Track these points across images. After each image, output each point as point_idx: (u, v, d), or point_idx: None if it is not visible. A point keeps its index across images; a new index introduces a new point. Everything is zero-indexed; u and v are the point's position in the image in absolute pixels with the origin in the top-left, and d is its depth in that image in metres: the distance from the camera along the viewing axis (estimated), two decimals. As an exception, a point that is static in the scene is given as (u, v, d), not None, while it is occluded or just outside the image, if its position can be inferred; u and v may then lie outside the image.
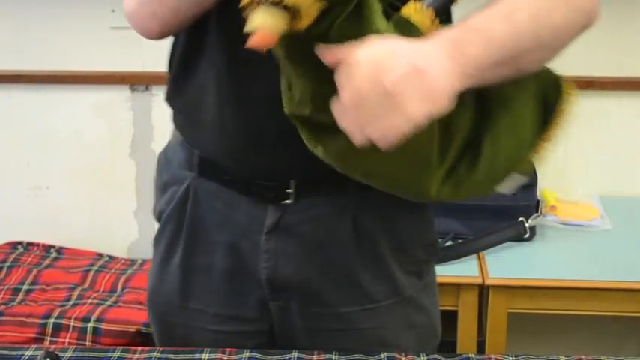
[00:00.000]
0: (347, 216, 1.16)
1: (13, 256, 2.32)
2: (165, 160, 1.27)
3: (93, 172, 2.43)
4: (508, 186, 1.12)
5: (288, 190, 1.15)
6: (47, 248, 2.38)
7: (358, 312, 1.20)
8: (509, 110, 1.05)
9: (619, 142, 2.33)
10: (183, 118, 1.23)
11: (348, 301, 1.20)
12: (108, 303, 2.10)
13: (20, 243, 2.40)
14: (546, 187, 2.25)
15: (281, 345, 1.23)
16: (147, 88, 2.36)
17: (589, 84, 2.27)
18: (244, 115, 1.13)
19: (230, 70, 1.12)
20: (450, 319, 1.96)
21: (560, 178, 2.32)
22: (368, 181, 1.08)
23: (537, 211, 2.06)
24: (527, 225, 2.02)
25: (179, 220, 1.22)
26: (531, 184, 2.07)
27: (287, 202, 1.16)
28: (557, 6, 1.00)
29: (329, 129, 0.97)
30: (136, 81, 2.36)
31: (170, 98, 1.24)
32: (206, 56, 1.15)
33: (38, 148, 2.45)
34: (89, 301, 2.11)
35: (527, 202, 2.05)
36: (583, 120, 2.32)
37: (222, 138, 1.16)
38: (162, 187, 1.26)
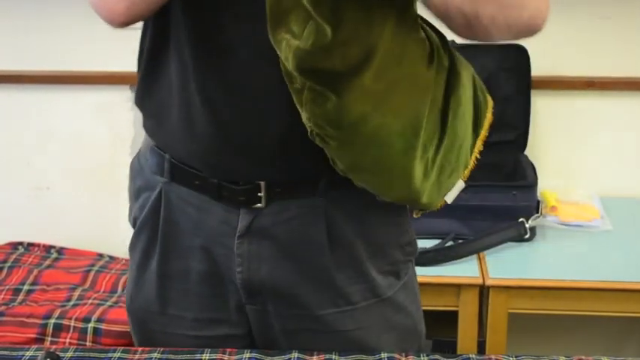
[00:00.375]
0: (319, 218, 1.16)
1: (14, 256, 2.32)
2: (138, 165, 1.26)
3: (93, 173, 2.43)
4: (453, 193, 1.16)
5: (259, 194, 1.15)
6: (48, 249, 2.38)
7: (335, 314, 1.20)
8: (462, 86, 1.11)
9: (619, 143, 2.33)
10: (152, 122, 1.22)
11: (325, 304, 1.20)
12: (108, 303, 2.10)
13: (21, 243, 2.40)
14: (546, 187, 2.25)
15: (260, 348, 1.23)
16: (147, 89, 2.36)
17: (589, 84, 2.27)
18: (212, 116, 1.12)
19: (197, 71, 1.11)
20: (450, 319, 1.96)
21: (561, 178, 2.32)
22: (357, 166, 1.08)
23: (538, 212, 2.06)
24: (527, 225, 2.02)
25: (153, 226, 1.22)
26: (531, 185, 2.07)
27: (258, 205, 1.16)
28: None
29: (342, 77, 0.99)
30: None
31: (139, 101, 1.22)
32: (172, 56, 1.13)
33: (38, 149, 2.45)
34: (90, 301, 2.11)
35: (528, 202, 2.04)
36: (583, 120, 2.32)
37: (191, 140, 1.15)
38: (135, 193, 1.25)
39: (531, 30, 1.09)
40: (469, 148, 1.16)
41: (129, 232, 1.29)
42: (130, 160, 1.30)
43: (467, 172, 1.18)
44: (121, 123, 2.40)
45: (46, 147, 2.44)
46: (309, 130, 1.06)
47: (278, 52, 1.01)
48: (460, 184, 1.18)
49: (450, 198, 1.16)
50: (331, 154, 1.08)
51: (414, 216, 1.20)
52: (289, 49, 0.98)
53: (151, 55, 1.17)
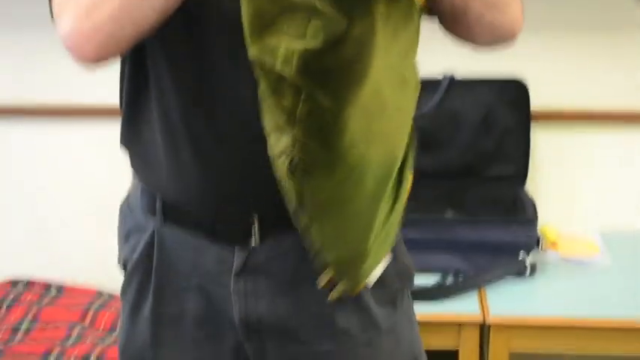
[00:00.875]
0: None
1: (13, 294, 2.32)
2: (128, 208, 1.25)
3: (94, 209, 2.42)
4: (379, 270, 1.13)
5: (253, 230, 1.14)
6: (47, 286, 2.37)
7: (335, 349, 1.19)
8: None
9: (620, 177, 2.32)
10: (140, 163, 1.21)
11: (324, 339, 1.19)
12: (108, 342, 2.09)
13: (20, 281, 2.39)
14: (547, 222, 2.24)
15: None
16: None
17: (590, 117, 2.27)
18: (199, 155, 1.11)
19: (181, 110, 1.10)
20: (451, 359, 1.94)
21: (561, 213, 2.31)
22: (327, 205, 1.04)
23: (538, 247, 2.05)
24: (527, 261, 2.01)
25: (146, 269, 1.21)
26: (531, 220, 2.06)
27: (253, 242, 1.15)
28: None
29: (346, 83, 0.95)
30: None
31: (125, 141, 1.21)
32: (153, 92, 1.12)
33: (39, 184, 2.44)
34: (89, 339, 2.10)
35: (528, 237, 2.03)
36: (583, 154, 2.31)
37: (179, 180, 1.14)
38: (125, 235, 1.25)
39: (510, 36, 1.14)
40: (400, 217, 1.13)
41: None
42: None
43: (389, 248, 1.15)
44: (123, 159, 2.39)
45: (46, 183, 2.44)
46: (287, 162, 1.00)
47: (270, 61, 0.95)
48: (388, 259, 1.15)
49: (374, 276, 1.12)
50: (306, 188, 1.02)
51: (328, 298, 1.13)
52: (291, 51, 0.93)
53: (131, 93, 1.16)
